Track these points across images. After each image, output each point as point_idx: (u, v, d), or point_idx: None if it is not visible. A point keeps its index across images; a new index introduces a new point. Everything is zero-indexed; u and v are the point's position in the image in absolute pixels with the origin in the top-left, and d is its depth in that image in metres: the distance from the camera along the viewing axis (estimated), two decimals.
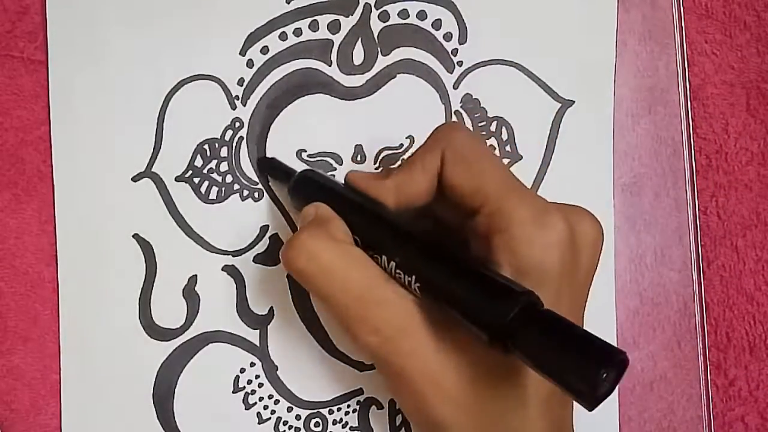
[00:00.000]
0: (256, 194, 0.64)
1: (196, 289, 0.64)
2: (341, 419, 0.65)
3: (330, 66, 0.64)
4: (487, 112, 0.65)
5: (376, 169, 0.64)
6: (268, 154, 0.64)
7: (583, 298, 0.52)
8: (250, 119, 0.64)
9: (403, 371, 0.49)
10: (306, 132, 0.65)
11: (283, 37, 0.64)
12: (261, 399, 0.64)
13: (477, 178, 0.51)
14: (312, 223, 0.53)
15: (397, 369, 0.49)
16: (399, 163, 0.65)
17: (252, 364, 0.64)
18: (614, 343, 0.59)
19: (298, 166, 0.63)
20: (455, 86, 0.65)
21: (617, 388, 0.62)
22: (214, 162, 0.64)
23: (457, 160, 0.52)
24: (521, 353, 0.41)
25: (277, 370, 0.64)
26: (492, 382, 0.48)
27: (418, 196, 0.54)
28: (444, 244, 0.51)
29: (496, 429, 0.49)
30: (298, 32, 0.64)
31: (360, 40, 0.65)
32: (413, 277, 0.49)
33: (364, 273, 0.50)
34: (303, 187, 0.59)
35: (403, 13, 0.65)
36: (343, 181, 0.57)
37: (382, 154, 0.64)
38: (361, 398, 0.65)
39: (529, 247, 0.47)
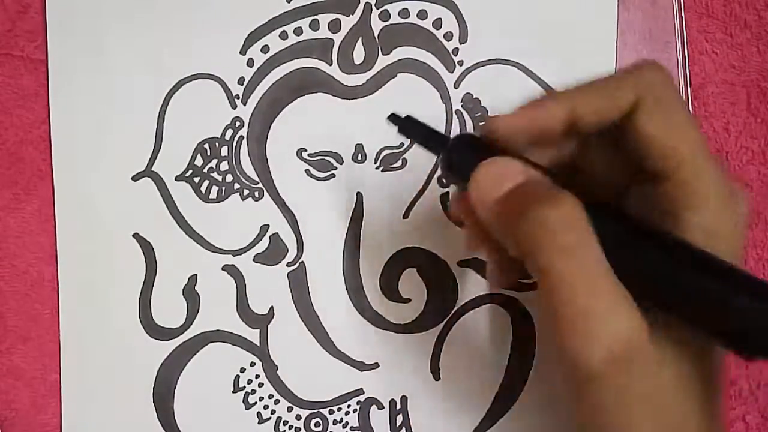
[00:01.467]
0: (256, 193, 0.64)
1: (196, 288, 0.64)
2: (341, 419, 0.64)
3: (330, 65, 0.64)
4: (487, 111, 0.65)
5: (377, 168, 0.64)
6: (268, 154, 0.64)
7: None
8: (250, 118, 0.64)
9: (618, 399, 0.41)
10: (306, 131, 0.64)
11: (284, 36, 0.64)
12: (261, 399, 0.64)
13: (677, 135, 0.44)
14: (541, 187, 0.44)
15: (614, 392, 0.41)
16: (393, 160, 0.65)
17: (252, 364, 0.64)
18: None
19: (298, 166, 0.64)
20: (456, 85, 0.65)
21: None
22: (215, 161, 0.64)
23: (659, 106, 0.44)
24: None
25: (277, 369, 0.64)
26: (693, 391, 0.43)
27: (590, 123, 0.45)
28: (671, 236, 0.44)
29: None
30: (298, 31, 0.64)
31: (360, 39, 0.65)
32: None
33: (605, 269, 0.41)
34: (463, 153, 0.48)
35: (404, 13, 0.65)
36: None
37: (383, 154, 0.64)
38: (361, 398, 0.65)
39: (721, 229, 0.43)
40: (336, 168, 0.64)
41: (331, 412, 0.64)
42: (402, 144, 0.64)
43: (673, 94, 0.45)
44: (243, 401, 0.64)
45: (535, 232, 0.41)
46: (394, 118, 0.54)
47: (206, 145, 0.64)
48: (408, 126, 0.53)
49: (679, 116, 0.44)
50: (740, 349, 0.40)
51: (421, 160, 0.65)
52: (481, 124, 0.54)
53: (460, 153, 0.48)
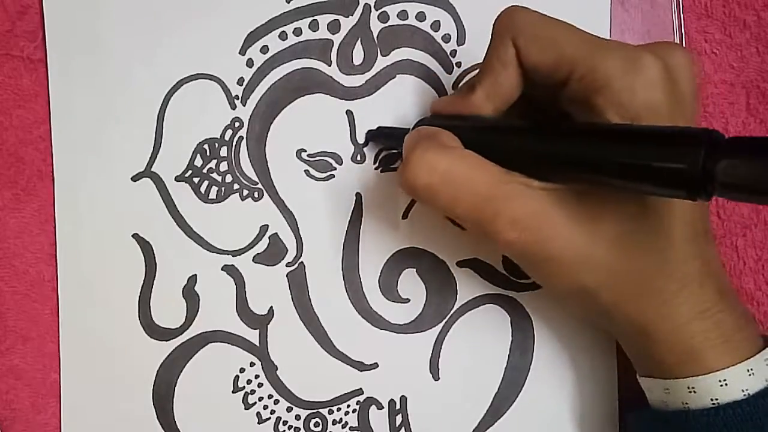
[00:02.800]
0: (255, 194, 0.64)
1: (195, 288, 0.64)
2: (341, 419, 0.64)
3: (330, 66, 0.64)
4: None
5: (376, 169, 0.64)
6: (268, 154, 0.64)
7: (694, 121, 0.51)
8: (249, 119, 0.64)
9: (549, 256, 0.50)
10: (306, 132, 0.65)
11: (283, 36, 0.64)
12: (261, 399, 0.64)
13: (555, 49, 0.50)
14: (421, 138, 0.52)
15: (542, 255, 0.50)
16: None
17: (252, 364, 0.64)
18: None
19: (298, 166, 0.64)
20: (453, 87, 0.65)
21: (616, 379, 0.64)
22: (214, 162, 0.64)
23: (529, 40, 0.51)
24: (728, 190, 0.40)
25: (276, 369, 0.64)
26: (638, 238, 0.49)
27: (511, 92, 0.53)
28: (570, 121, 0.51)
29: (648, 279, 0.50)
30: (298, 32, 0.64)
31: (360, 40, 0.65)
32: (550, 163, 0.49)
33: (486, 172, 0.49)
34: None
35: (403, 14, 0.65)
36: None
37: (382, 154, 0.64)
38: (360, 398, 0.65)
39: (632, 94, 0.47)
40: (335, 168, 0.64)
41: (331, 412, 0.64)
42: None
43: (537, 20, 0.51)
44: (242, 401, 0.64)
45: (408, 177, 0.50)
46: (369, 134, 0.65)
47: (206, 146, 0.64)
48: (376, 134, 0.64)
49: (552, 35, 0.50)
50: (687, 194, 0.42)
51: None
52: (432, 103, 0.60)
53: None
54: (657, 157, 0.42)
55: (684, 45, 0.65)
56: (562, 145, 0.48)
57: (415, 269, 0.65)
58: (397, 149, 0.63)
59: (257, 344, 0.64)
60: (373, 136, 0.64)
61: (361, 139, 0.64)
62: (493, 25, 0.53)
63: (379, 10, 0.65)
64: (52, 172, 0.64)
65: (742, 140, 0.40)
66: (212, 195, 0.64)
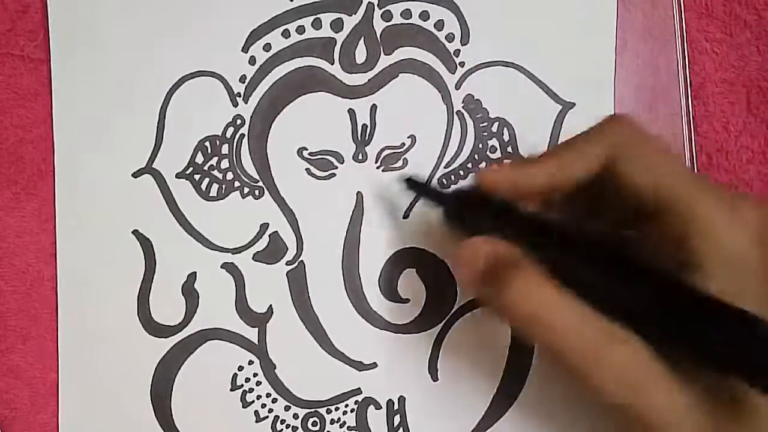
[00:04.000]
0: (256, 192, 0.64)
1: (195, 286, 0.64)
2: (339, 419, 0.64)
3: (332, 64, 0.65)
4: (488, 113, 0.65)
5: (377, 168, 0.64)
6: (269, 152, 0.64)
7: None
8: (251, 116, 0.64)
9: (648, 413, 0.46)
10: (307, 130, 0.64)
11: (286, 34, 0.64)
12: (259, 397, 0.64)
13: (658, 174, 0.48)
14: (512, 264, 0.48)
15: (642, 411, 0.46)
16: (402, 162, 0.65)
17: (250, 362, 0.64)
18: None
19: (299, 165, 0.64)
20: (457, 87, 0.65)
21: None
22: (215, 159, 0.64)
23: (633, 154, 0.49)
24: None
25: (275, 368, 0.64)
26: (728, 411, 0.47)
27: (570, 181, 0.50)
28: (668, 273, 0.47)
29: None
30: (300, 30, 0.64)
31: (363, 39, 0.65)
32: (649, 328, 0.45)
33: (589, 313, 0.46)
34: (462, 205, 0.55)
35: (406, 13, 0.65)
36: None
37: (384, 153, 0.64)
38: (359, 398, 0.64)
39: (733, 247, 0.45)
40: (336, 167, 0.64)
41: (329, 411, 0.64)
42: (403, 144, 0.65)
43: (644, 140, 0.49)
44: (240, 399, 0.64)
45: (508, 307, 0.48)
46: (409, 182, 0.61)
47: (207, 143, 0.64)
48: (416, 186, 0.61)
49: (658, 159, 0.49)
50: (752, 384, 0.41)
51: (422, 160, 0.65)
52: (472, 175, 0.59)
53: (458, 208, 0.55)
54: (754, 353, 0.41)
55: (685, 44, 0.65)
56: (646, 295, 0.45)
57: (415, 269, 0.65)
58: (430, 203, 0.60)
59: (256, 342, 0.64)
60: (413, 184, 0.61)
61: (362, 139, 0.64)
62: (600, 122, 0.51)
63: (383, 9, 0.65)
64: (53, 171, 0.64)
65: None
66: (213, 192, 0.64)
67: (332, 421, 0.64)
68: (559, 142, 0.55)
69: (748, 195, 0.49)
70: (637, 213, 0.50)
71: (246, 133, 0.64)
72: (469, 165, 0.65)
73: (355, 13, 0.65)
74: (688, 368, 0.46)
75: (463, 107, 0.65)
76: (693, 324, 0.43)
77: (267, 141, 0.64)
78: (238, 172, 0.64)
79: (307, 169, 0.64)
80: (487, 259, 0.50)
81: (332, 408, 0.64)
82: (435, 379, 0.65)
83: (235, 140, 0.64)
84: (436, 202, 0.58)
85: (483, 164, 0.65)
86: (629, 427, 0.49)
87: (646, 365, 0.45)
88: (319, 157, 0.64)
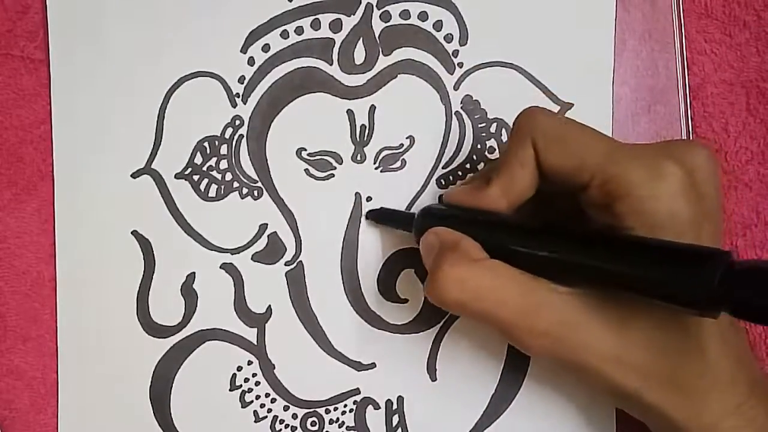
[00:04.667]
0: (255, 192, 0.64)
1: (194, 286, 0.64)
2: (338, 419, 0.64)
3: (331, 65, 0.65)
4: (487, 113, 0.65)
5: (376, 168, 0.64)
6: (268, 152, 0.64)
7: (720, 225, 0.52)
8: (250, 117, 0.64)
9: (583, 363, 0.50)
10: (306, 131, 0.64)
11: (285, 35, 0.64)
12: (258, 397, 0.64)
13: (576, 154, 0.51)
14: (445, 250, 0.52)
15: (576, 362, 0.51)
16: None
17: (249, 363, 0.64)
18: None
19: (298, 165, 0.64)
20: (456, 87, 0.65)
21: None
22: (214, 159, 0.64)
23: (549, 143, 0.52)
24: (737, 312, 0.41)
25: (274, 368, 0.64)
26: (670, 341, 0.49)
27: (526, 191, 0.54)
28: (589, 228, 0.53)
29: (681, 378, 0.50)
30: (299, 30, 0.64)
31: (361, 39, 0.65)
32: (574, 271, 0.49)
33: (515, 283, 0.50)
34: (425, 223, 0.58)
35: (405, 14, 0.65)
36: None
37: (382, 154, 0.64)
38: (357, 398, 0.64)
39: (655, 202, 0.48)
40: (335, 168, 0.64)
41: (328, 411, 0.64)
42: (401, 145, 0.64)
43: (558, 123, 0.53)
44: (239, 400, 0.64)
45: (438, 292, 0.51)
46: (371, 214, 0.65)
47: (206, 144, 0.64)
48: (381, 215, 0.64)
49: (572, 139, 0.52)
50: (699, 312, 0.45)
51: (421, 161, 0.65)
52: (439, 198, 0.62)
53: (424, 223, 0.58)
54: (672, 277, 0.44)
55: (684, 45, 0.65)
56: (582, 254, 0.49)
57: (413, 269, 0.65)
58: (399, 228, 0.64)
59: (255, 343, 0.64)
60: (375, 216, 0.64)
61: (360, 140, 0.64)
62: (513, 123, 0.55)
63: (381, 10, 0.65)
64: (52, 171, 0.64)
65: (755, 268, 0.41)
66: (212, 193, 0.64)
67: (331, 421, 0.64)
68: (497, 157, 0.60)
69: (667, 148, 0.49)
70: (568, 193, 0.53)
71: (245, 134, 0.64)
72: (468, 165, 0.65)
73: (354, 14, 0.65)
74: (629, 313, 0.50)
75: (461, 108, 0.65)
76: (621, 260, 0.47)
77: (266, 141, 0.64)
78: (237, 172, 0.64)
79: (306, 170, 0.64)
80: (435, 247, 0.54)
81: (331, 408, 0.64)
82: (433, 379, 0.65)
83: (234, 141, 0.64)
84: (404, 225, 0.62)
85: (481, 164, 0.65)
86: (573, 378, 0.57)
87: (572, 321, 0.50)
88: (317, 157, 0.64)
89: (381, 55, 0.65)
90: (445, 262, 0.51)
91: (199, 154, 0.64)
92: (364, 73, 0.65)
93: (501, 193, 0.54)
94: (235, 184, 0.64)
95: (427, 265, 0.55)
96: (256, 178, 0.64)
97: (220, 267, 0.64)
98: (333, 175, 0.64)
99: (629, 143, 0.53)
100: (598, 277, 0.48)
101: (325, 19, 0.65)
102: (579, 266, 0.49)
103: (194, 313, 0.64)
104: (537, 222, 0.53)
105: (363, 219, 0.64)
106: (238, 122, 0.64)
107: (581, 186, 0.51)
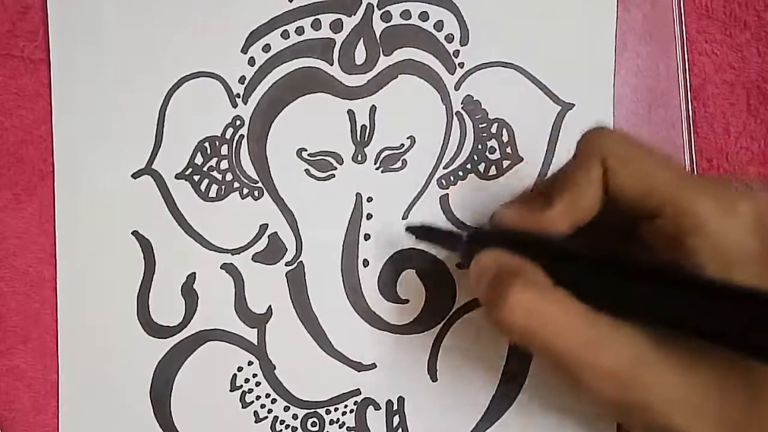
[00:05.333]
0: (255, 192, 0.64)
1: (194, 286, 0.64)
2: (338, 419, 0.64)
3: (332, 65, 0.64)
4: (488, 113, 0.65)
5: (376, 169, 0.65)
6: (268, 153, 0.64)
7: None
8: (251, 117, 0.64)
9: (648, 404, 0.47)
10: (307, 131, 0.64)
11: (285, 35, 0.64)
12: (258, 398, 0.64)
13: (649, 179, 0.49)
14: (508, 275, 0.49)
15: (641, 404, 0.47)
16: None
17: (250, 363, 0.64)
18: None
19: (298, 165, 0.64)
20: (456, 87, 0.65)
21: None
22: (215, 160, 0.64)
23: (621, 164, 0.50)
24: None
25: (274, 369, 0.64)
26: (740, 387, 0.47)
27: (590, 212, 0.52)
28: (659, 263, 0.49)
29: (738, 426, 0.48)
30: (300, 31, 0.64)
31: (362, 39, 0.65)
32: (644, 308, 0.47)
33: (581, 315, 0.47)
34: (474, 245, 0.54)
35: (406, 14, 0.65)
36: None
37: (383, 154, 0.64)
38: (358, 398, 0.64)
39: (729, 239, 0.46)
40: (336, 168, 0.64)
41: (328, 412, 0.64)
42: (402, 145, 0.65)
43: (633, 146, 0.50)
44: (240, 400, 0.64)
45: (505, 318, 0.48)
46: (412, 229, 0.61)
47: (206, 144, 0.64)
48: (424, 232, 0.61)
49: (646, 164, 0.49)
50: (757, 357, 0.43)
51: (422, 161, 0.65)
52: (491, 217, 0.57)
53: (473, 245, 0.55)
54: (754, 327, 0.42)
55: (685, 45, 0.65)
56: (656, 291, 0.46)
57: (414, 270, 0.65)
58: (444, 248, 0.63)
59: (255, 343, 0.64)
60: (417, 231, 0.62)
61: (361, 141, 0.64)
62: (580, 141, 0.52)
63: (382, 10, 0.65)
64: (53, 172, 0.64)
65: None
66: (212, 193, 0.64)
67: (331, 422, 0.64)
68: (556, 173, 0.56)
69: (747, 185, 0.48)
70: (633, 218, 0.51)
71: (245, 134, 0.64)
72: (468, 166, 0.65)
73: (355, 14, 0.65)
74: (698, 352, 0.46)
75: (462, 108, 0.65)
76: (694, 305, 0.44)
77: (266, 142, 0.64)
78: (238, 172, 0.64)
79: (307, 170, 0.64)
80: (492, 271, 0.51)
81: (331, 408, 0.64)
82: (434, 379, 0.65)
83: (235, 141, 0.64)
84: (448, 245, 0.61)
85: (482, 165, 0.65)
86: (632, 423, 0.52)
87: (639, 359, 0.46)
88: (318, 157, 0.64)
89: (382, 55, 0.65)
90: (513, 287, 0.48)
91: (199, 154, 0.64)
92: (364, 73, 0.65)
93: (565, 213, 0.52)
94: (236, 185, 0.64)
95: (481, 288, 0.51)
96: (257, 178, 0.64)
97: (221, 267, 0.64)
98: (333, 176, 0.64)
99: (694, 175, 0.52)
100: (667, 318, 0.46)
101: (326, 19, 0.65)
102: (647, 303, 0.46)
103: (195, 313, 0.64)
104: (600, 251, 0.50)
105: (364, 219, 0.64)
106: (238, 122, 0.64)
107: (649, 213, 0.49)
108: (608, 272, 0.48)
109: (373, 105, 0.64)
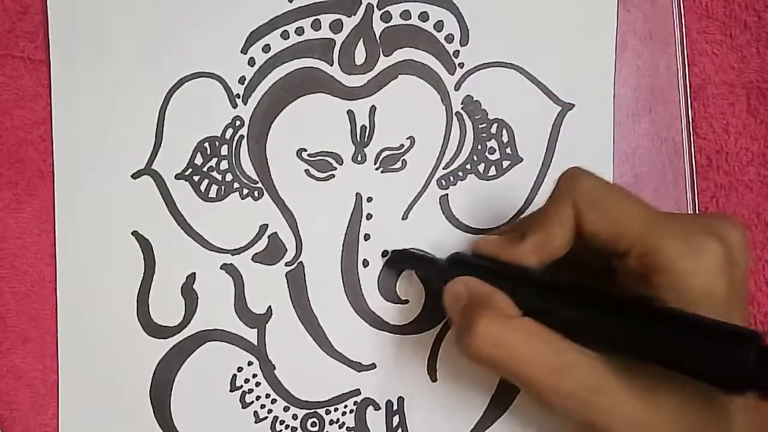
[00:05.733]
0: (255, 193, 0.64)
1: (194, 287, 0.64)
2: (338, 419, 0.64)
3: (331, 65, 0.64)
4: (487, 114, 0.65)
5: (376, 169, 0.64)
6: (268, 153, 0.64)
7: (746, 302, 0.52)
8: (250, 118, 0.64)
9: (606, 427, 0.49)
10: (306, 131, 0.64)
11: (285, 35, 0.64)
12: (258, 398, 0.64)
13: (617, 222, 0.51)
14: (478, 304, 0.53)
15: (600, 426, 0.49)
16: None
17: (249, 363, 0.64)
18: None
19: (298, 166, 0.64)
20: (456, 88, 0.65)
21: None
22: (214, 160, 0.64)
23: (590, 207, 0.52)
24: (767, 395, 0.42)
25: (274, 369, 0.64)
26: (696, 413, 0.48)
27: (560, 250, 0.54)
28: (622, 294, 0.52)
29: None
30: (300, 31, 0.64)
31: (362, 40, 0.65)
32: (604, 337, 0.49)
33: (546, 343, 0.50)
34: (452, 270, 0.58)
35: (405, 14, 0.65)
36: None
37: (383, 155, 0.64)
38: (358, 399, 0.65)
39: (694, 279, 0.48)
40: (336, 168, 0.64)
41: (328, 412, 0.64)
42: (402, 145, 0.65)
43: (602, 189, 0.53)
44: (240, 400, 0.64)
45: (473, 346, 0.51)
46: (394, 255, 0.65)
47: (206, 144, 0.64)
48: (405, 257, 0.65)
49: (615, 207, 0.52)
50: (725, 391, 0.45)
51: (421, 161, 0.65)
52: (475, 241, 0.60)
53: (451, 271, 0.58)
54: (705, 355, 0.44)
55: (685, 45, 0.65)
56: (614, 320, 0.49)
57: (414, 270, 0.65)
58: (419, 273, 0.65)
59: (255, 343, 0.64)
60: (397, 258, 0.65)
61: (361, 141, 0.64)
62: (557, 181, 0.55)
63: (382, 10, 0.65)
64: (52, 172, 0.64)
65: None
66: (212, 193, 0.64)
67: (331, 422, 0.64)
68: (535, 211, 0.59)
69: (705, 223, 0.50)
70: (602, 254, 0.53)
71: (245, 135, 0.64)
72: (468, 166, 0.65)
73: (355, 14, 0.65)
74: (661, 378, 0.48)
75: (462, 108, 0.65)
76: (654, 331, 0.47)
77: (266, 142, 0.64)
78: (238, 173, 0.64)
79: (307, 170, 0.64)
80: (463, 299, 0.55)
81: (331, 409, 0.65)
82: (434, 379, 0.65)
83: (235, 141, 0.64)
84: (427, 269, 0.64)
85: (482, 165, 0.65)
86: None
87: (601, 385, 0.49)
88: (318, 158, 0.64)
89: (381, 55, 0.65)
90: (482, 318, 0.50)
91: (199, 154, 0.64)
92: (364, 73, 0.65)
93: (534, 250, 0.54)
94: (236, 185, 0.64)
95: (454, 314, 0.55)
96: (257, 178, 0.64)
97: (221, 268, 0.64)
98: (333, 176, 0.64)
99: (667, 212, 0.53)
100: (628, 346, 0.48)
101: (326, 19, 0.64)
102: (610, 332, 0.49)
103: (194, 313, 0.64)
104: (569, 282, 0.54)
105: (364, 219, 0.64)
106: (238, 123, 0.64)
107: (618, 253, 0.51)
108: (576, 302, 0.51)
109: (373, 105, 0.64)
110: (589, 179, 0.53)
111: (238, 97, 0.64)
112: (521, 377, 0.50)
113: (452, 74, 0.65)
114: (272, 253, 0.64)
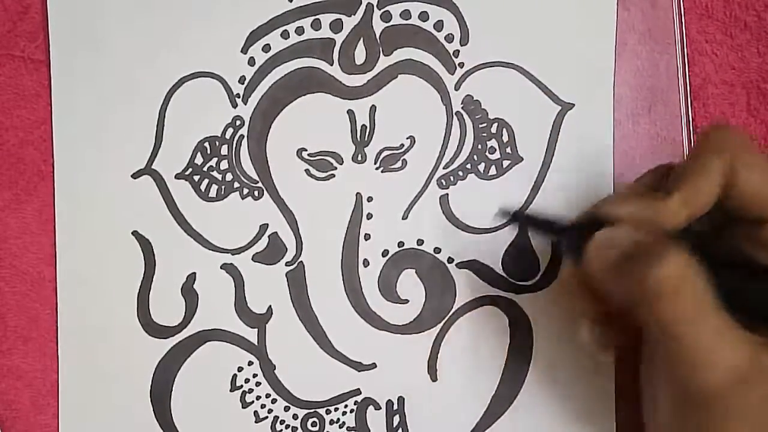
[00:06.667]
0: (255, 192, 0.64)
1: (194, 287, 0.64)
2: (338, 419, 0.64)
3: (331, 65, 0.64)
4: (487, 113, 0.65)
5: (376, 168, 0.64)
6: (268, 153, 0.64)
7: None
8: (251, 117, 0.64)
9: (741, 417, 0.45)
10: (307, 131, 0.64)
11: (285, 35, 0.64)
12: (258, 398, 0.64)
13: None
14: (659, 242, 0.48)
15: (736, 415, 0.45)
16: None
17: (250, 363, 0.64)
18: None
19: (298, 165, 0.64)
20: (456, 87, 0.65)
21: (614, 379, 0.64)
22: (215, 160, 0.64)
23: (748, 166, 0.49)
24: None
25: (274, 369, 0.64)
26: None
27: (706, 206, 0.51)
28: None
29: None
30: (300, 31, 0.64)
31: (362, 39, 0.65)
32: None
33: (713, 306, 0.45)
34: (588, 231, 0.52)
35: (405, 14, 0.65)
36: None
37: (383, 154, 0.64)
38: (358, 398, 0.65)
39: None
40: (336, 168, 0.64)
41: (328, 412, 0.64)
42: (402, 145, 0.64)
43: (755, 153, 0.50)
44: (240, 400, 0.64)
45: (648, 292, 0.45)
46: (514, 216, 0.62)
47: (206, 144, 0.64)
48: (528, 220, 0.62)
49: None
50: None
51: (421, 161, 0.65)
52: (597, 205, 0.55)
53: (578, 239, 0.53)
54: None
55: (685, 45, 0.65)
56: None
57: (414, 270, 0.65)
58: (550, 237, 0.64)
59: (255, 343, 0.64)
60: (526, 219, 0.62)
61: (361, 140, 0.64)
62: (704, 133, 0.52)
63: (382, 10, 0.65)
64: (53, 172, 0.64)
65: None
66: (212, 193, 0.64)
67: (331, 422, 0.64)
68: (659, 168, 0.56)
69: None
70: (726, 215, 0.51)
71: (245, 134, 0.64)
72: (468, 166, 0.65)
73: (355, 14, 0.65)
74: None
75: (462, 108, 0.65)
76: None
77: (266, 142, 0.64)
78: (238, 172, 0.64)
79: (307, 170, 0.64)
80: (632, 238, 0.50)
81: (331, 408, 0.65)
82: (434, 379, 0.65)
83: (235, 141, 0.64)
84: (552, 236, 0.62)
85: (482, 165, 0.65)
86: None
87: (755, 368, 0.45)
88: (318, 157, 0.64)
89: (381, 55, 0.65)
90: (671, 248, 0.46)
91: (199, 154, 0.64)
92: (364, 73, 0.65)
93: (683, 203, 0.50)
94: (236, 185, 0.64)
95: (620, 249, 0.49)
96: (257, 178, 0.64)
97: (221, 267, 0.64)
98: (333, 176, 0.64)
99: None
100: None
101: (326, 19, 0.64)
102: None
103: (195, 313, 0.64)
104: (718, 253, 0.50)
105: (364, 219, 0.64)
106: (238, 122, 0.64)
107: (763, 219, 0.50)
108: (724, 272, 0.48)
109: (373, 105, 0.64)
110: (744, 137, 0.51)
111: (238, 97, 0.64)
112: (686, 323, 0.45)
113: (452, 74, 0.65)
114: (272, 253, 0.64)
